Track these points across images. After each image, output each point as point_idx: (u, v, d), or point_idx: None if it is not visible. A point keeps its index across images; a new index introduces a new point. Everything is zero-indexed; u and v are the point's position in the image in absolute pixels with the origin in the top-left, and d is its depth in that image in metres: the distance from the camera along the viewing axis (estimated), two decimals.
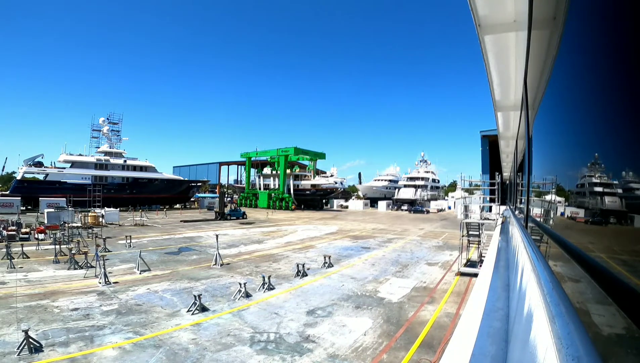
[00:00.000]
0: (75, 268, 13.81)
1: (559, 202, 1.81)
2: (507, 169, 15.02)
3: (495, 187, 17.22)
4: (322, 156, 64.43)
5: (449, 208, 66.64)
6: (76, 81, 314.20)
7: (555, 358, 0.92)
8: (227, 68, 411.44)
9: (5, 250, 14.96)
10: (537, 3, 1.99)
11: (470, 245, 16.50)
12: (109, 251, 17.55)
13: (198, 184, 61.23)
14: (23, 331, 6.95)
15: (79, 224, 26.40)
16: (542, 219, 2.54)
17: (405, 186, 76.15)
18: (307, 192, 61.31)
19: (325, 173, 77.24)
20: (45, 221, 25.85)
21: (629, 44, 0.68)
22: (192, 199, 59.40)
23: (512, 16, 3.30)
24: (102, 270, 12.03)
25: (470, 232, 16.02)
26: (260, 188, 65.86)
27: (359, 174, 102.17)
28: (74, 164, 44.94)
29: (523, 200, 4.89)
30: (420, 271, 15.07)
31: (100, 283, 11.80)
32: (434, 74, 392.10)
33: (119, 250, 18.39)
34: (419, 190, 74.03)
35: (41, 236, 20.27)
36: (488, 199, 21.28)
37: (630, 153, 0.70)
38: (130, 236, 20.75)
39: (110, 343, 7.39)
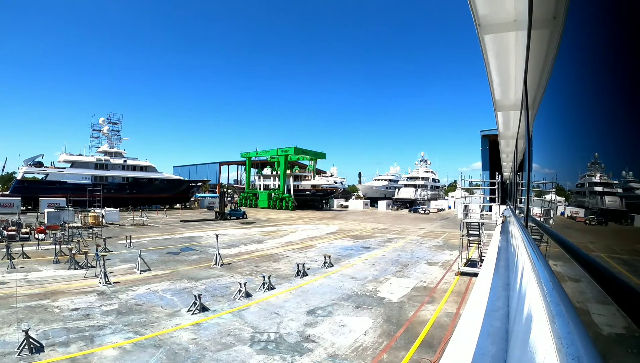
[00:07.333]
0: (75, 268, 13.82)
1: (559, 202, 1.81)
2: (507, 168, 15.02)
3: (496, 187, 17.22)
4: (322, 155, 64.42)
5: (449, 207, 66.72)
6: (76, 81, 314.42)
7: (556, 358, 0.92)
8: (228, 68, 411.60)
9: (5, 250, 14.96)
10: (537, 3, 1.99)
11: (470, 244, 16.49)
12: (109, 251, 17.55)
13: (198, 184, 61.23)
14: (23, 331, 6.95)
15: (79, 224, 26.41)
16: (542, 219, 2.54)
17: (405, 185, 76.19)
18: (307, 192, 61.28)
19: (325, 172, 77.24)
20: (46, 221, 25.85)
21: (629, 43, 0.68)
22: (192, 199, 59.41)
23: (512, 16, 3.30)
24: (103, 269, 12.03)
25: (470, 232, 16.02)
26: (260, 188, 65.85)
27: (359, 174, 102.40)
28: (74, 164, 44.95)
29: (523, 200, 4.89)
30: (420, 270, 15.07)
31: (100, 283, 11.80)
32: (434, 73, 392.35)
33: (119, 249, 18.39)
34: (419, 190, 74.07)
35: (41, 236, 20.27)
36: (488, 198, 21.27)
37: (630, 152, 0.70)
38: (131, 236, 20.75)
39: (111, 343, 7.39)
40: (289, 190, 59.65)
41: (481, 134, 43.87)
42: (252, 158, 66.73)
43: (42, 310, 9.25)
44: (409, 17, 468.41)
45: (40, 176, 43.23)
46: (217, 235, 17.47)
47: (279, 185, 60.78)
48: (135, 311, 9.39)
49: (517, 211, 7.61)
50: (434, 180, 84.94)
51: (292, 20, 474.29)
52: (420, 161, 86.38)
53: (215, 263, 15.14)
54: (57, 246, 16.16)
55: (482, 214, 17.51)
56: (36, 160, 43.24)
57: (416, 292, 11.78)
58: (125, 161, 49.27)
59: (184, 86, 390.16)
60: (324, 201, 64.83)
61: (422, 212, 55.38)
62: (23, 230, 22.27)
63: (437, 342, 7.87)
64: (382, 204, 65.05)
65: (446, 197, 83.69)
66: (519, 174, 7.49)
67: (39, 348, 6.98)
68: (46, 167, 43.66)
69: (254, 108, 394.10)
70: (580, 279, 1.09)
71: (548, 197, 2.20)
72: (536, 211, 3.00)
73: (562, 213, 1.71)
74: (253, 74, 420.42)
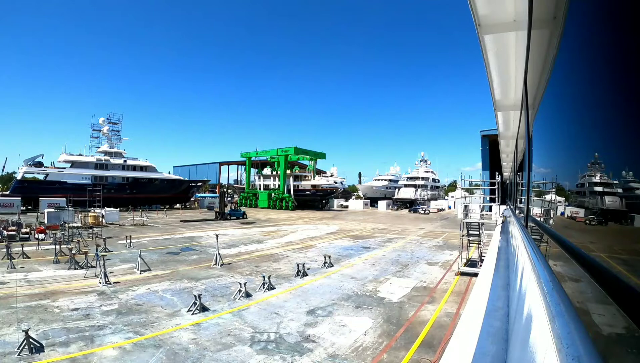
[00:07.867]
0: (75, 268, 13.81)
1: (559, 202, 1.81)
2: (507, 168, 15.02)
3: (496, 187, 17.22)
4: (322, 155, 64.40)
5: (449, 207, 66.76)
6: (76, 81, 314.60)
7: (556, 358, 0.92)
8: (228, 68, 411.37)
9: (5, 250, 14.95)
10: (537, 3, 1.99)
11: (470, 244, 16.49)
12: (109, 251, 17.54)
13: (198, 184, 61.20)
14: (23, 331, 6.95)
15: (79, 224, 26.40)
16: (542, 219, 2.54)
17: (405, 185, 76.15)
18: (307, 192, 61.26)
19: (325, 172, 77.23)
20: (46, 221, 25.84)
21: (629, 43, 0.68)
22: (192, 199, 59.40)
23: (512, 16, 3.30)
24: (103, 269, 12.03)
25: (470, 232, 16.02)
26: (260, 188, 65.82)
27: (359, 174, 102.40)
28: (74, 164, 44.93)
29: (523, 200, 4.89)
30: (420, 270, 15.07)
31: (100, 283, 11.80)
32: (434, 73, 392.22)
33: (119, 249, 18.39)
34: (419, 190, 74.03)
35: (41, 236, 20.27)
36: (488, 198, 21.27)
37: (630, 152, 0.70)
38: (131, 236, 20.74)
39: (111, 343, 7.39)
40: (289, 190, 59.62)
41: (481, 134, 43.94)
42: (252, 158, 66.70)
43: (42, 310, 9.24)
44: (409, 17, 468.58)
45: (40, 176, 43.22)
46: (217, 235, 17.47)
47: (279, 185, 60.76)
48: (135, 311, 9.39)
49: (517, 211, 7.62)
50: (434, 180, 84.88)
51: (292, 21, 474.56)
52: (420, 161, 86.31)
53: (215, 263, 15.14)
54: (57, 246, 16.14)
55: (482, 215, 17.51)
56: (36, 160, 43.21)
57: (416, 292, 11.77)
58: (125, 161, 49.24)
59: (183, 86, 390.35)
60: (324, 201, 64.83)
61: (422, 212, 55.34)
62: (23, 230, 22.25)
63: (437, 342, 7.87)
64: (382, 204, 65.03)
65: (446, 197, 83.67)
66: (519, 174, 7.50)
67: (39, 348, 6.98)
68: (46, 167, 43.64)
69: (254, 108, 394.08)
70: (580, 279, 1.09)
71: (548, 197, 2.20)
72: (536, 211, 3.00)
73: (562, 213, 1.71)
74: (253, 74, 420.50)
